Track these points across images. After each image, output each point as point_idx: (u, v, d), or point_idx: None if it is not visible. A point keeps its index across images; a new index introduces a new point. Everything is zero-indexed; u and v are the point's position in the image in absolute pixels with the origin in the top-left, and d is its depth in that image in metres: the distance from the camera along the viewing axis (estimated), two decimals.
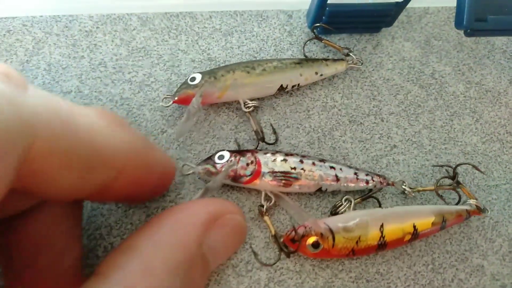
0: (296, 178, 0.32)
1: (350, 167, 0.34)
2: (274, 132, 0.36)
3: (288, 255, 0.31)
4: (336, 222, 0.31)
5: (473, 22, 0.34)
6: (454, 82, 0.41)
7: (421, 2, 0.42)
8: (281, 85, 0.37)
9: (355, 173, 0.33)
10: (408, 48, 0.41)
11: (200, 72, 0.35)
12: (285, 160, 0.32)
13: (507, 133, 0.39)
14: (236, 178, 0.31)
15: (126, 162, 0.20)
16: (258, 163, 0.32)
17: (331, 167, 0.33)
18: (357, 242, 0.30)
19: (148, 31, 0.39)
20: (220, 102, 0.36)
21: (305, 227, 0.31)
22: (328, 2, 0.36)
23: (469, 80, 0.41)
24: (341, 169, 0.33)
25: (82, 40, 0.38)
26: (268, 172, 0.31)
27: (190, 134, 0.36)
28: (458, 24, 0.34)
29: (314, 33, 0.39)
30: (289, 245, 0.31)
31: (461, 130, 0.39)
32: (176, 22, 0.40)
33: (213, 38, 0.40)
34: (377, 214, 0.32)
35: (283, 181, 0.31)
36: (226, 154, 0.32)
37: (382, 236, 0.31)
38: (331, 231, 0.30)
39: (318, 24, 0.38)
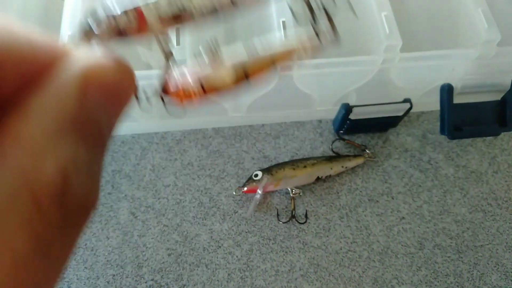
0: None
1: None
2: (306, 216, 0.50)
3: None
4: None
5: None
6: (446, 166, 0.54)
7: (417, 108, 0.56)
8: (318, 177, 0.51)
9: None
10: (409, 141, 0.56)
11: (260, 170, 0.51)
12: None
13: (488, 204, 0.53)
14: (122, 33, 0.24)
15: None
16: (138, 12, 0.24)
17: None
18: None
19: (220, 138, 0.55)
20: (275, 190, 0.51)
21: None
22: (350, 118, 0.51)
23: (457, 164, 0.55)
24: None
25: (174, 147, 0.54)
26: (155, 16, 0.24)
27: (254, 213, 0.51)
28: (442, 131, 0.49)
29: (338, 135, 0.54)
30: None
31: (453, 204, 0.52)
32: (239, 130, 0.56)
33: (265, 140, 0.55)
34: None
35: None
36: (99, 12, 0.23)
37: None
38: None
39: (341, 131, 0.53)
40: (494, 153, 0.55)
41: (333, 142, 0.55)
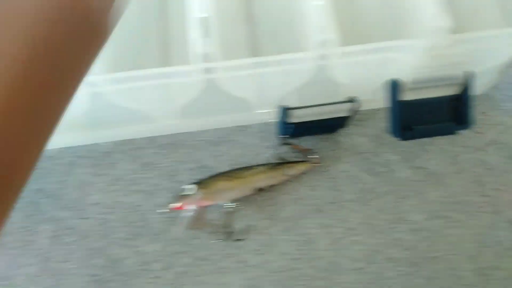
0: None
1: None
2: (245, 232, 0.46)
3: None
4: None
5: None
6: (402, 168, 0.49)
7: (372, 105, 0.51)
8: (258, 187, 0.46)
9: None
10: (362, 142, 0.51)
11: (193, 183, 0.46)
12: None
13: (448, 209, 0.47)
14: None
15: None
16: None
17: None
18: None
19: (154, 148, 0.50)
20: (210, 204, 0.47)
21: None
22: (291, 121, 0.46)
23: (415, 165, 0.49)
24: None
25: (103, 160, 0.50)
26: None
27: (187, 232, 0.46)
28: (390, 132, 0.44)
29: (282, 140, 0.49)
30: None
31: (409, 210, 0.47)
32: (175, 139, 0.51)
33: (204, 148, 0.50)
34: None
35: None
36: None
37: None
38: None
39: (286, 135, 0.48)
40: (455, 152, 0.50)
41: (277, 147, 0.50)
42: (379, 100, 0.50)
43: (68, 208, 0.47)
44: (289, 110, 0.45)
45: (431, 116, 0.44)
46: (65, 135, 0.49)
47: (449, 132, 0.45)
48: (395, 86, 0.42)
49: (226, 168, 0.49)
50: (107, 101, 0.43)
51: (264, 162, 0.49)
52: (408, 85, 0.42)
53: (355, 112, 0.46)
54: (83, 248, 0.45)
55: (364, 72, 0.45)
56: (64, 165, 0.49)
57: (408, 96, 0.43)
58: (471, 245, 0.46)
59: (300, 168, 0.48)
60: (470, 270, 0.45)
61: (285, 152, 0.50)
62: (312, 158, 0.49)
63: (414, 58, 0.43)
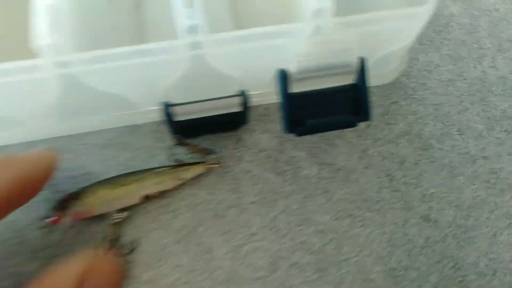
0: None
1: None
2: (133, 244, 0.41)
3: None
4: None
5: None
6: (308, 166, 0.46)
7: (275, 99, 0.47)
8: (146, 195, 0.42)
9: None
10: (266, 139, 0.47)
11: (69, 193, 0.41)
12: None
13: (356, 207, 0.44)
14: None
15: None
16: None
17: None
18: None
19: None
20: (91, 215, 0.42)
21: None
22: (179, 119, 0.41)
23: (322, 161, 0.46)
24: None
25: None
26: None
27: (71, 251, 0.41)
28: (284, 129, 0.40)
29: (177, 139, 0.45)
30: None
31: (314, 211, 0.44)
32: (56, 143, 0.46)
33: (90, 153, 0.45)
34: None
35: None
36: None
37: None
38: None
39: (179, 135, 0.44)
40: (365, 145, 0.47)
41: (171, 148, 0.46)
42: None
43: None
44: (173, 107, 0.40)
45: (326, 108, 0.40)
46: None
47: (347, 125, 0.42)
48: (282, 77, 0.38)
49: (115, 173, 0.44)
50: None
51: (158, 165, 0.45)
52: (297, 75, 0.39)
53: (247, 106, 0.42)
54: None
55: (249, 62, 0.41)
56: None
57: (300, 87, 0.39)
58: (381, 245, 0.43)
59: (196, 170, 0.44)
60: (379, 272, 0.42)
61: (181, 153, 0.46)
62: (210, 158, 0.45)
63: (301, 45, 0.39)
